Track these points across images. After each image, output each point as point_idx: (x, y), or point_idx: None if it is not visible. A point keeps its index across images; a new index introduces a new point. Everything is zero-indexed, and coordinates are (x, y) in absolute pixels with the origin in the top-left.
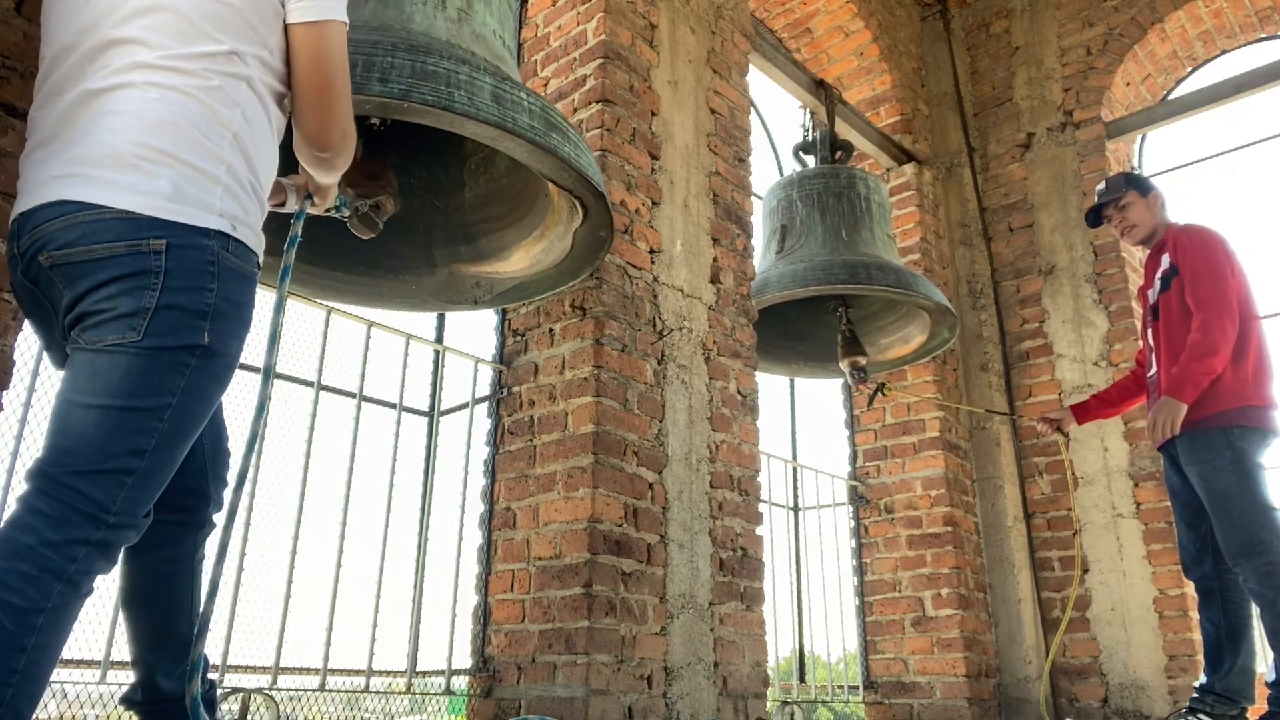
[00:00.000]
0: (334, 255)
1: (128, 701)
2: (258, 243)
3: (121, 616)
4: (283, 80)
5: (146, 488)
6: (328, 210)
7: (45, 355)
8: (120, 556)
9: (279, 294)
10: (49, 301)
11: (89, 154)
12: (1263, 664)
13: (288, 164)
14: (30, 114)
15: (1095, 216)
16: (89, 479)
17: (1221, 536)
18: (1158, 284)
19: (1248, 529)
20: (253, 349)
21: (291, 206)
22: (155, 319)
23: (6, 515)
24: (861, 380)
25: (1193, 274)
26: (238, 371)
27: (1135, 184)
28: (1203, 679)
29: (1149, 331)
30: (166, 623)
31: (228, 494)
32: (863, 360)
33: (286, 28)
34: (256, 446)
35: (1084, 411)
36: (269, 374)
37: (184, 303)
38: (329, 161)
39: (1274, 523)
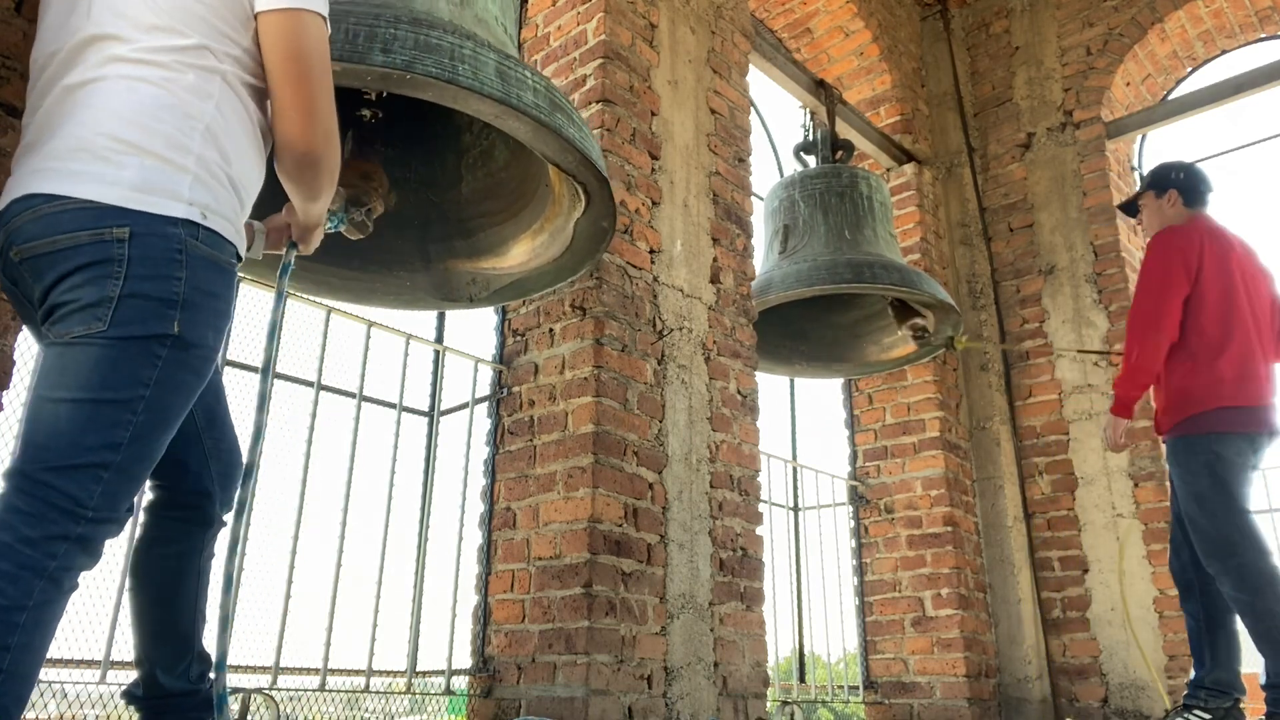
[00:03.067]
0: (325, 251)
1: (129, 696)
2: (235, 234)
3: (127, 611)
4: (262, 80)
5: (125, 481)
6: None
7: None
8: (131, 552)
9: (278, 288)
10: (28, 299)
11: (61, 148)
12: (1246, 659)
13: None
14: (23, 121)
15: (1131, 208)
16: (63, 474)
17: (1196, 540)
18: None
19: (1220, 530)
20: (253, 345)
21: (257, 253)
22: (120, 308)
23: None
24: (924, 340)
25: (1136, 288)
26: (238, 370)
27: (1154, 183)
28: (1193, 674)
29: None
30: (171, 619)
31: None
32: (921, 320)
33: (258, 20)
34: (259, 443)
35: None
36: (268, 368)
37: (149, 291)
38: (313, 170)
39: (1246, 525)
